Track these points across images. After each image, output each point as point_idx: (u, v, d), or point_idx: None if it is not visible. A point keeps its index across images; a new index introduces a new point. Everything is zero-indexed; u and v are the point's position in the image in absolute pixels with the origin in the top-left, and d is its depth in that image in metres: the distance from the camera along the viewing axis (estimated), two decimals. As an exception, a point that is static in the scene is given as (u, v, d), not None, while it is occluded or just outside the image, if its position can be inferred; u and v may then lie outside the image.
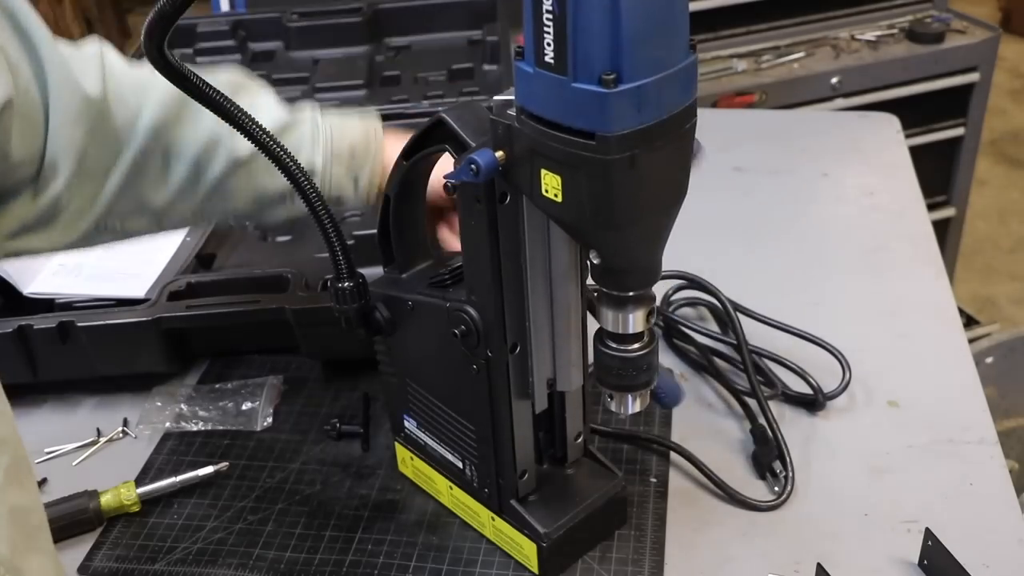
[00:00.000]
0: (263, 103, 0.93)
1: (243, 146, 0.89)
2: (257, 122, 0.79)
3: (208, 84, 0.76)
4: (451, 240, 0.98)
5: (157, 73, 0.86)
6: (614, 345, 0.77)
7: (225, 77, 0.91)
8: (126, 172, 0.87)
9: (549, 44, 0.61)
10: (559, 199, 0.67)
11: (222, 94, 0.77)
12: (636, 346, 0.77)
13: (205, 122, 0.88)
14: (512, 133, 0.69)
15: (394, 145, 0.95)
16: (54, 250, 0.89)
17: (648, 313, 0.76)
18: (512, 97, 0.68)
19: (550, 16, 0.60)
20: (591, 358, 0.81)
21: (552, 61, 0.61)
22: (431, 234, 0.96)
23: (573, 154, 0.64)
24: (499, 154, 0.70)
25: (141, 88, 0.88)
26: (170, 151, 0.89)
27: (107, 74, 0.86)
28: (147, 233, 0.94)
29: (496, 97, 0.71)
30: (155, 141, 0.87)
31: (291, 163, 0.80)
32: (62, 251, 0.91)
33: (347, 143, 0.94)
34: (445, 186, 0.74)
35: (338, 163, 0.94)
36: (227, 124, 0.86)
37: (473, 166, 0.70)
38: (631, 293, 0.74)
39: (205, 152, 0.89)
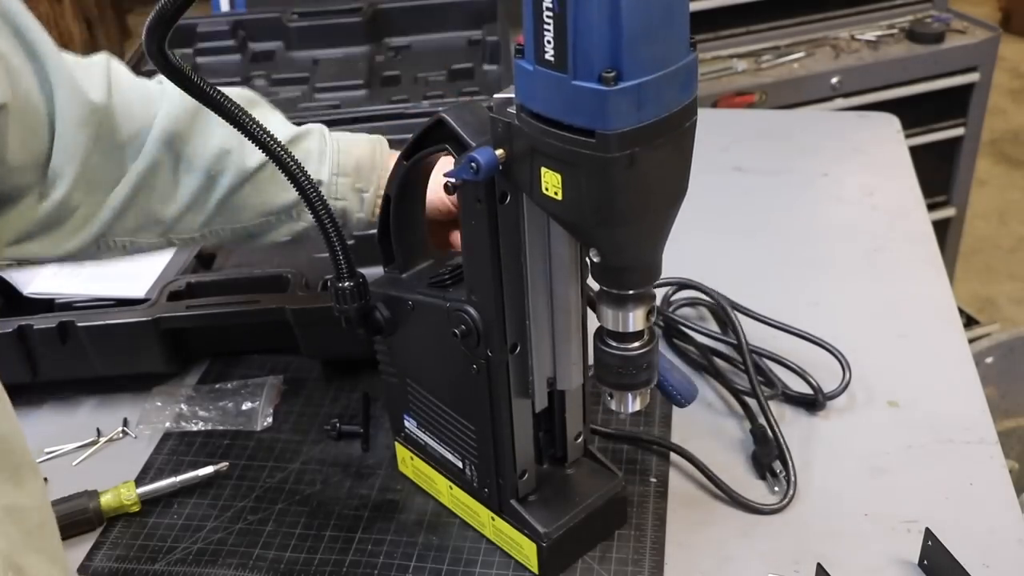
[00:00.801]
0: (271, 119, 0.94)
1: (252, 158, 0.90)
2: (255, 119, 0.79)
3: (208, 83, 0.76)
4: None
5: (167, 86, 0.87)
6: (614, 343, 0.77)
7: (236, 92, 0.91)
8: (134, 183, 0.88)
9: (549, 42, 0.61)
10: (559, 197, 0.67)
11: (222, 93, 0.77)
12: (636, 344, 0.77)
13: (216, 134, 0.89)
14: (512, 131, 0.69)
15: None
16: (55, 258, 0.89)
17: (648, 311, 0.75)
18: (512, 95, 0.68)
19: (550, 14, 0.60)
20: (591, 358, 0.81)
21: (552, 59, 0.61)
22: (438, 243, 0.96)
23: (573, 152, 0.64)
24: (499, 152, 0.70)
25: (150, 100, 0.88)
26: (180, 163, 0.89)
27: (113, 84, 0.87)
28: (154, 249, 0.94)
29: (496, 95, 0.71)
30: (165, 152, 0.88)
31: (290, 162, 0.80)
32: (63, 260, 0.90)
33: (354, 159, 0.96)
34: (446, 185, 0.74)
35: (344, 177, 0.95)
36: (237, 136, 0.87)
37: (473, 164, 0.70)
38: (631, 292, 0.74)
39: (215, 164, 0.90)
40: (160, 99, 0.88)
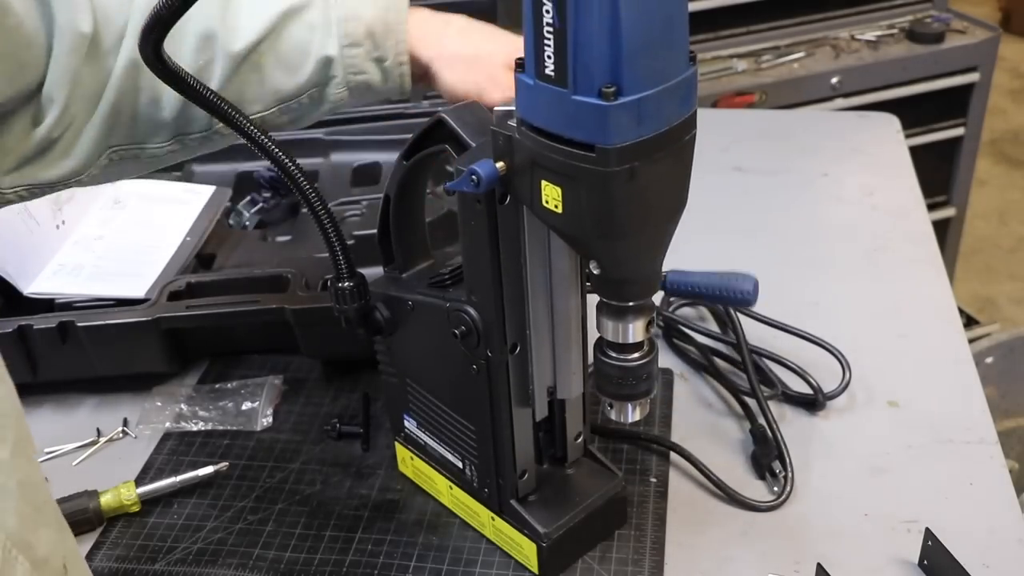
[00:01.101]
0: None
1: (238, 42, 0.85)
2: (254, 122, 0.79)
3: (204, 85, 0.76)
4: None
5: None
6: (614, 354, 0.77)
7: None
8: (119, 84, 0.84)
9: (550, 57, 0.61)
10: (559, 210, 0.67)
11: (218, 95, 0.77)
12: (636, 355, 0.77)
13: (192, 23, 0.84)
14: (513, 144, 0.69)
15: (420, 20, 0.90)
16: (64, 180, 0.86)
17: (648, 323, 0.76)
18: (513, 108, 0.68)
19: (551, 29, 0.60)
20: (591, 358, 0.81)
21: (552, 74, 0.62)
22: None
23: (573, 166, 0.64)
24: (499, 165, 0.70)
25: (125, 2, 0.84)
26: None
27: (95, 4, 0.83)
28: (177, 155, 0.90)
29: (497, 108, 0.71)
30: None
31: (289, 163, 0.80)
32: (73, 181, 0.87)
33: (363, 24, 0.87)
34: (445, 187, 0.74)
35: (355, 48, 0.87)
36: (219, 18, 0.82)
37: (474, 177, 0.70)
38: (631, 303, 0.74)
39: (201, 52, 0.85)
40: None
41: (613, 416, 0.80)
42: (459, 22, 0.93)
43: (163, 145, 0.89)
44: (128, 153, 0.88)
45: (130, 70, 0.84)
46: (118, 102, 0.85)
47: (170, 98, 0.86)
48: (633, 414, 0.80)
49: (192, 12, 0.81)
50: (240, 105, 0.85)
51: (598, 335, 0.78)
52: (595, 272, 0.72)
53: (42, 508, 0.62)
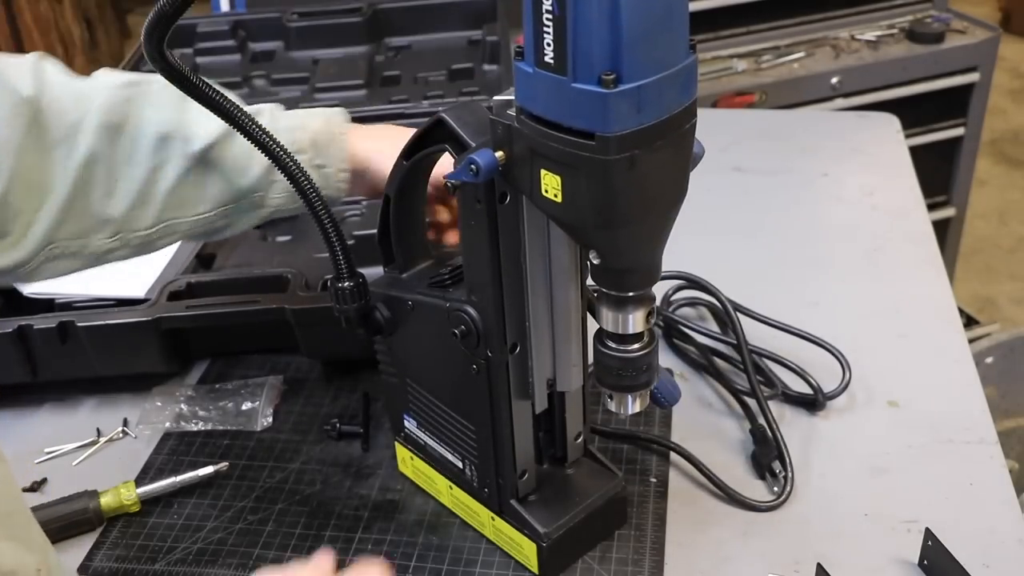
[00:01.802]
0: None
1: (196, 142, 0.88)
2: (256, 122, 0.79)
3: (206, 83, 0.76)
4: (450, 235, 0.97)
5: (100, 79, 0.85)
6: (614, 345, 0.77)
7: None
8: (72, 181, 0.85)
9: (549, 44, 0.61)
10: (559, 199, 0.67)
11: (221, 93, 0.77)
12: (636, 346, 0.77)
13: (151, 122, 0.87)
14: (512, 133, 0.69)
15: (361, 137, 0.95)
16: (8, 270, 0.87)
17: (648, 313, 0.76)
18: (512, 97, 0.68)
19: (550, 16, 0.60)
20: (591, 358, 0.81)
21: (552, 61, 0.62)
22: (433, 232, 0.96)
23: (573, 154, 0.64)
24: (499, 154, 0.70)
25: (82, 96, 0.86)
26: (117, 155, 0.87)
27: (42, 80, 0.85)
28: (113, 254, 0.92)
29: (496, 97, 0.71)
30: (101, 145, 0.86)
31: (290, 161, 0.80)
32: (16, 275, 0.88)
33: (309, 134, 0.93)
34: (445, 186, 0.74)
35: (301, 154, 0.91)
36: (176, 121, 0.85)
37: (473, 166, 0.70)
38: (631, 293, 0.74)
39: (157, 152, 0.88)
40: (93, 94, 0.86)
41: (613, 408, 0.80)
42: (393, 128, 0.99)
43: (104, 241, 0.90)
44: (68, 249, 0.89)
45: (88, 165, 0.86)
46: (72, 195, 0.86)
47: (123, 193, 0.88)
48: (633, 405, 0.80)
49: (150, 115, 0.86)
50: (186, 205, 0.90)
51: (598, 327, 0.78)
52: (595, 262, 0.72)
53: (2, 522, 0.61)
